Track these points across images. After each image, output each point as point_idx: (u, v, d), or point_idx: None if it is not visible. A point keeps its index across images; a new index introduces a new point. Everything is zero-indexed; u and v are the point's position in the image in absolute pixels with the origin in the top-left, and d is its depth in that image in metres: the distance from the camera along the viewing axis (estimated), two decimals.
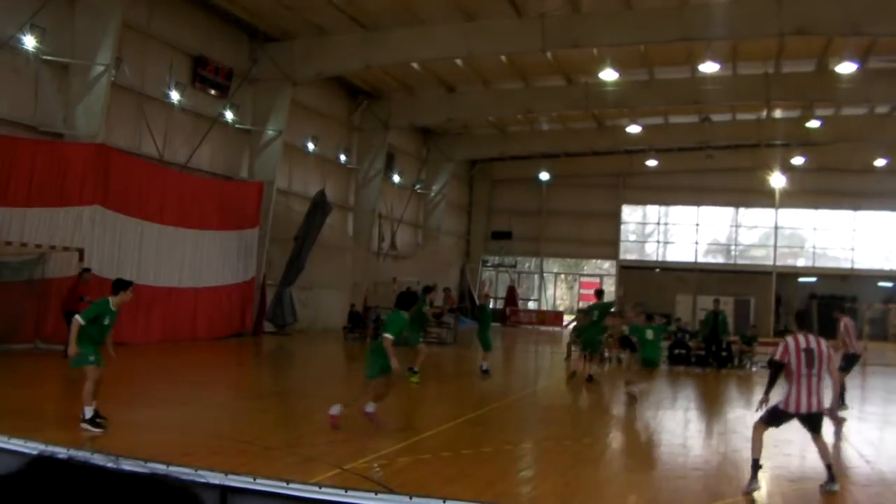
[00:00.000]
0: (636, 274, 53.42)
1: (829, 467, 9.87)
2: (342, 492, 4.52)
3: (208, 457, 9.66)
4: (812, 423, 9.97)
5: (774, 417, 10.10)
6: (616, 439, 14.20)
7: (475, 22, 29.62)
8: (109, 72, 23.02)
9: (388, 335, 12.47)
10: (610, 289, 54.30)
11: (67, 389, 16.31)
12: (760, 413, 10.14)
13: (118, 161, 23.59)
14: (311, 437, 12.18)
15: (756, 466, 9.83)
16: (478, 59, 34.49)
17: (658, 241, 56.15)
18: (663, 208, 55.71)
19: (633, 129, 43.98)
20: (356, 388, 18.63)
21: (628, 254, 56.04)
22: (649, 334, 19.03)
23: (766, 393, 10.17)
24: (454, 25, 29.92)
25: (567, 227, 55.19)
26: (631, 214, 56.39)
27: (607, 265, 57.69)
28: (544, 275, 58.37)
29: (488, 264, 57.20)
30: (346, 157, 39.30)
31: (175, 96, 27.26)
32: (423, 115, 41.80)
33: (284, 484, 4.55)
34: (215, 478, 4.49)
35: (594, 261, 59.19)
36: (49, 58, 22.34)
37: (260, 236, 30.52)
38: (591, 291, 57.03)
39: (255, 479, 4.62)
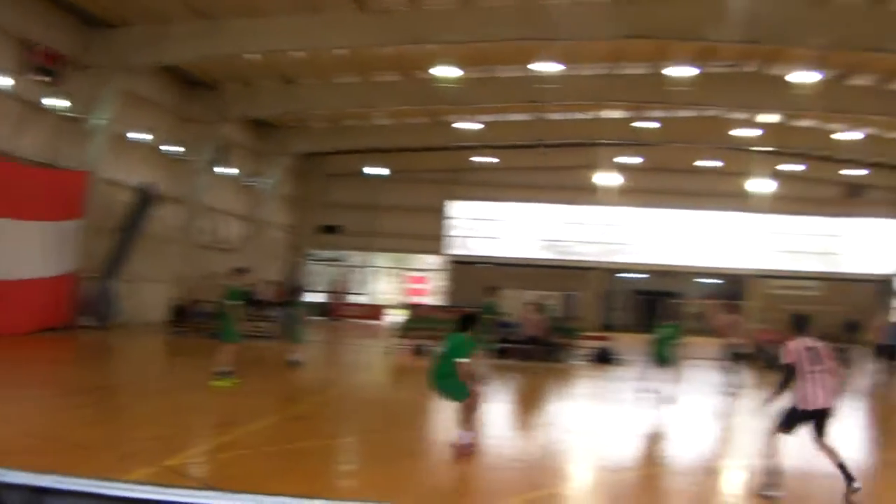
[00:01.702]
0: (464, 269, 54.08)
1: (841, 467, 9.80)
2: (161, 489, 4.43)
3: (19, 456, 9.33)
4: (823, 420, 9.96)
5: (791, 420, 10.08)
6: (438, 431, 14.34)
7: (316, 15, 29.40)
8: None
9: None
10: (439, 283, 54.84)
11: None
12: (767, 414, 10.28)
13: None
14: (129, 434, 11.90)
15: (774, 473, 9.85)
16: (316, 52, 34.22)
17: (488, 237, 56.90)
18: (494, 204, 56.55)
19: (468, 125, 44.43)
20: (179, 383, 18.34)
21: (457, 249, 56.61)
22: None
23: (777, 394, 10.28)
24: (295, 18, 29.60)
25: (398, 221, 55.33)
26: (461, 210, 57.00)
27: (436, 260, 58.11)
28: (372, 269, 58.42)
29: (317, 258, 56.87)
30: (178, 148, 38.37)
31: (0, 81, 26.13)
32: (259, 108, 41.15)
33: (100, 482, 4.44)
34: (24, 477, 4.35)
35: (423, 255, 59.56)
36: None
37: (84, 227, 29.46)
38: (418, 286, 57.78)
39: (67, 478, 4.50)
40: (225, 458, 10.55)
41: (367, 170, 53.80)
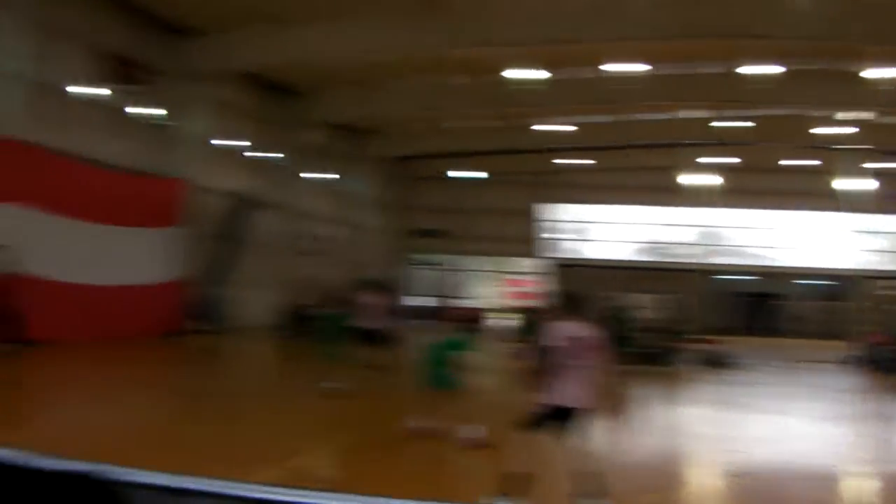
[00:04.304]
0: (568, 272, 53.62)
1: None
2: (285, 490, 4.14)
3: (137, 454, 9.16)
4: (568, 421, 8.21)
5: (539, 417, 8.34)
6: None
7: (385, 18, 29.25)
8: (22, 65, 22.33)
9: None
10: (538, 286, 54.48)
11: None
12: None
13: (32, 156, 22.74)
14: (251, 435, 11.75)
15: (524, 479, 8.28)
16: (388, 56, 33.98)
17: (585, 240, 56.42)
18: (589, 207, 56.17)
19: (553, 127, 44.02)
20: (297, 387, 18.18)
21: (560, 252, 56.24)
22: None
23: (531, 381, 8.51)
24: (385, 19, 29.47)
25: (492, 224, 55.26)
26: (555, 212, 56.71)
27: (530, 263, 57.67)
28: (471, 273, 58.28)
29: (417, 262, 57.00)
30: (270, 154, 38.74)
31: (91, 91, 26.51)
32: (338, 112, 41.32)
33: (225, 483, 4.17)
34: (151, 477, 4.08)
35: (520, 259, 59.18)
36: None
37: (184, 234, 29.77)
38: (518, 289, 57.41)
39: (194, 478, 4.23)
40: (349, 461, 10.33)
41: (456, 173, 54.10)
